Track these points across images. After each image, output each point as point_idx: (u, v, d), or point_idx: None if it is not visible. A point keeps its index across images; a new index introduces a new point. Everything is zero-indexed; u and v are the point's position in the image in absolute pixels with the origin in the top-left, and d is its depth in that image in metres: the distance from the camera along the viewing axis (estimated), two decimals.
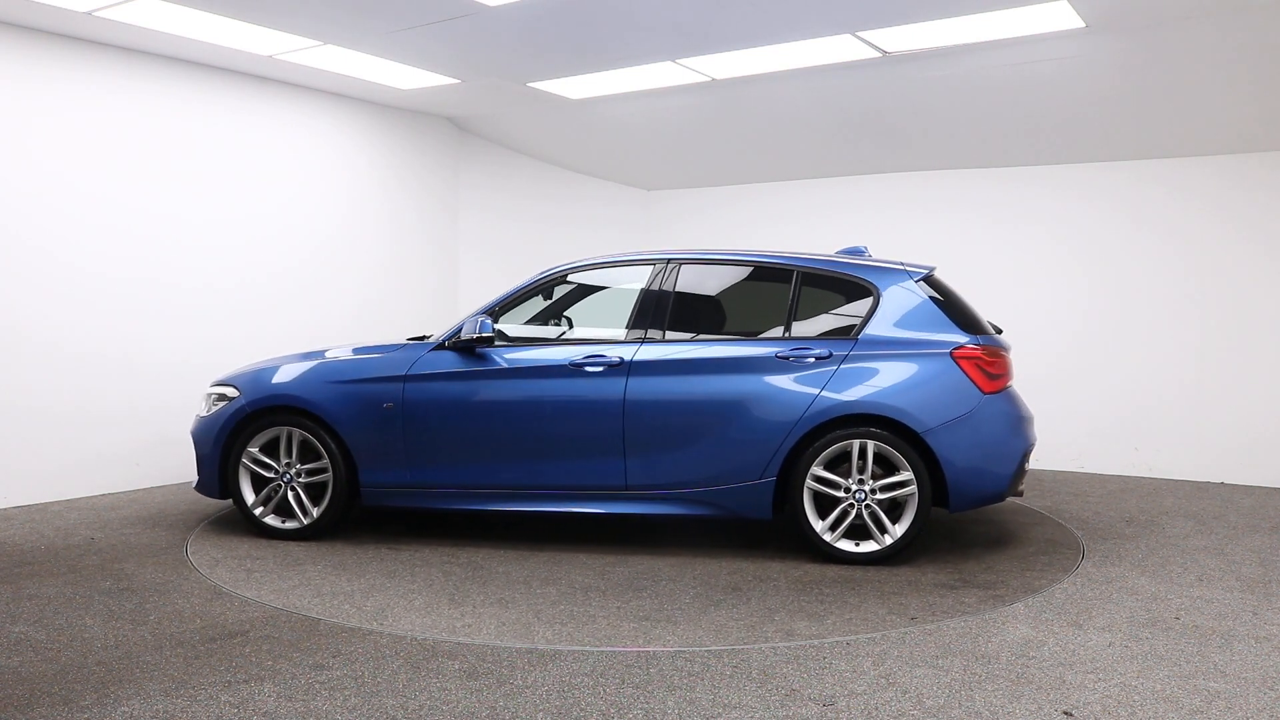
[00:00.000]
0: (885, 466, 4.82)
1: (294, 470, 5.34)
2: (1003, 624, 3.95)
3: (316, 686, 3.27)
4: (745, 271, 5.35)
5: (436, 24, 5.82)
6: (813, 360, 4.89)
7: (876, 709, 3.11)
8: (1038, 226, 7.98)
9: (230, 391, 5.44)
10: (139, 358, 6.57)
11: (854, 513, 4.81)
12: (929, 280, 5.15)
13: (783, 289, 5.15)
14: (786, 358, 4.91)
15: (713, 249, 5.51)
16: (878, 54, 6.22)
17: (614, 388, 5.02)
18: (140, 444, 6.62)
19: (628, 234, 9.95)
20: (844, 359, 4.88)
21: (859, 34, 5.83)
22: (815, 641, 3.73)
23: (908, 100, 7.06)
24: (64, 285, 6.18)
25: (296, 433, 5.31)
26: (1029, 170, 8.00)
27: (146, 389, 6.61)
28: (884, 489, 4.79)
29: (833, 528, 4.85)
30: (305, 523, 5.30)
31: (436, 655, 3.57)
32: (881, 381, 4.82)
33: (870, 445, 4.77)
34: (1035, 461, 7.72)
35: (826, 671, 3.42)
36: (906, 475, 4.74)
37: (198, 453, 5.48)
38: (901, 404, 4.75)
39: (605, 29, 5.89)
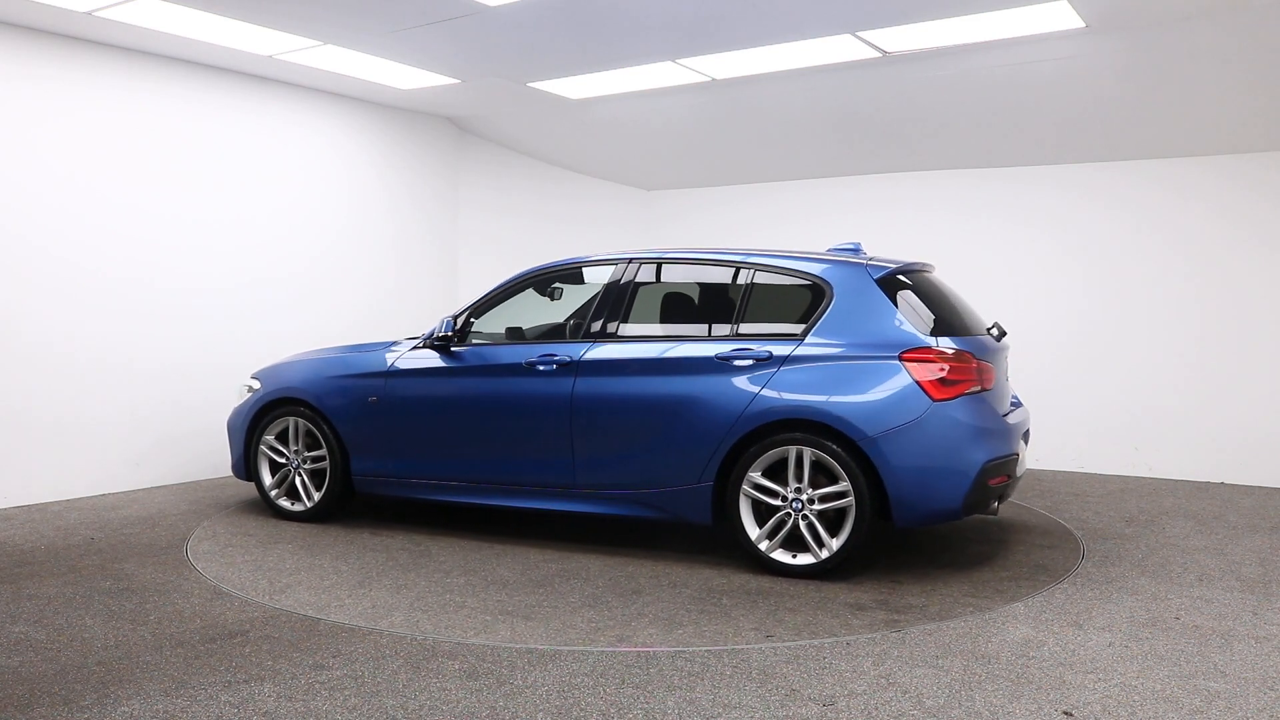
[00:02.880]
0: (831, 475, 4.52)
1: (300, 458, 5.77)
2: (1003, 624, 3.95)
3: (316, 686, 3.27)
4: (701, 270, 5.23)
5: (436, 24, 5.82)
6: (752, 362, 4.66)
7: (876, 709, 3.11)
8: (1038, 226, 7.97)
9: (255, 384, 5.97)
10: (139, 358, 6.57)
11: (791, 522, 4.56)
12: (914, 279, 4.89)
13: (736, 288, 4.98)
14: (726, 359, 4.72)
15: (671, 248, 5.45)
16: (878, 54, 6.21)
17: (563, 387, 5.04)
18: (140, 444, 6.62)
19: (628, 234, 9.94)
20: (784, 360, 4.62)
21: (859, 34, 5.83)
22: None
23: (908, 100, 7.05)
24: (64, 286, 6.18)
25: (302, 423, 5.75)
26: (1029, 170, 8.00)
27: (147, 389, 6.61)
28: (823, 499, 4.50)
29: (770, 537, 4.60)
30: (309, 506, 5.72)
31: (436, 655, 3.57)
32: (821, 385, 4.52)
33: (807, 452, 4.51)
34: (1035, 461, 7.72)
35: (826, 671, 3.42)
36: (844, 485, 4.45)
37: (230, 439, 6.03)
38: (839, 409, 4.44)
39: (605, 29, 5.89)
